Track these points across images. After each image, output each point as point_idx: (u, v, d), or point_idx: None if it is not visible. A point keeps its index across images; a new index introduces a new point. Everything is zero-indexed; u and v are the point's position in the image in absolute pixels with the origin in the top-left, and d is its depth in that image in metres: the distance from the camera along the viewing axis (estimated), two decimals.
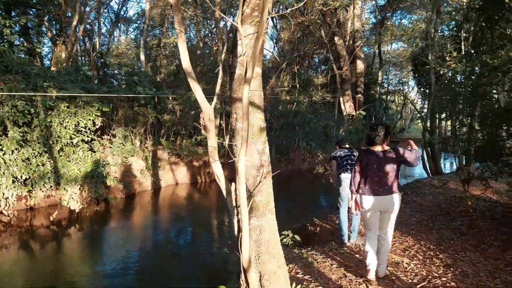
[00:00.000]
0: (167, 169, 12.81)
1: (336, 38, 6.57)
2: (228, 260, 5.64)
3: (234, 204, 2.59)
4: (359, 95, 6.83)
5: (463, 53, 7.97)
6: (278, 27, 19.83)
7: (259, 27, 2.02)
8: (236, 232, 2.56)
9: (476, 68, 6.09)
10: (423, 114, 12.71)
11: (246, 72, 2.07)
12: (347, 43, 9.65)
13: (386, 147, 3.27)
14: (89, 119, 9.41)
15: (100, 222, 8.54)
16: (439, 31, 12.22)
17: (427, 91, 18.41)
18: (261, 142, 2.57)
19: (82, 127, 9.34)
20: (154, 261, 5.98)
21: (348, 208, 4.52)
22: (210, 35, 20.06)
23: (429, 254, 4.13)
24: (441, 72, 8.19)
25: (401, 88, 25.42)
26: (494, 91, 6.09)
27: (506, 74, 5.23)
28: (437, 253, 4.15)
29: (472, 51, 6.51)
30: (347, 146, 4.94)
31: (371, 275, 3.39)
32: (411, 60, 18.06)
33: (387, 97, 23.10)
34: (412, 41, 19.03)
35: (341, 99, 6.35)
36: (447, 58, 7.64)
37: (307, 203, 10.52)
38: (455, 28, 10.12)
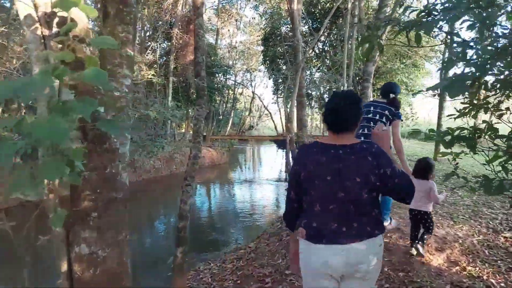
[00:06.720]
0: None
1: None
2: None
3: None
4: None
5: None
6: None
7: None
8: None
9: None
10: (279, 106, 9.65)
11: None
12: None
13: (354, 140, 1.46)
14: None
15: None
16: None
17: (279, 79, 15.97)
18: None
19: None
20: None
21: None
22: None
23: None
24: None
25: (249, 79, 22.82)
26: None
27: None
28: None
29: None
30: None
31: None
32: (263, 41, 15.10)
33: (235, 88, 19.78)
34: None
35: None
36: None
37: None
38: None
